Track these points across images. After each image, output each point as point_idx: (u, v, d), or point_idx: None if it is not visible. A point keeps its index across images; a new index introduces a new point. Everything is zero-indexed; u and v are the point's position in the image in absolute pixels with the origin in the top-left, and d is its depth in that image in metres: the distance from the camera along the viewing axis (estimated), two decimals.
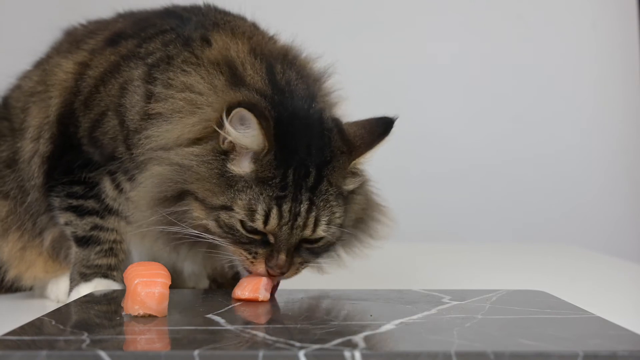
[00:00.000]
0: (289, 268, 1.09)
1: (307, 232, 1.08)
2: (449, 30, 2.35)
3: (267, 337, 0.86)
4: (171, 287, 1.01)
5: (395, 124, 1.18)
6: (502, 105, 2.36)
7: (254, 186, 1.06)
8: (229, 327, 0.93)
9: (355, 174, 1.12)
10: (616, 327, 0.93)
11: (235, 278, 1.30)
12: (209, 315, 0.99)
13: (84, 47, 1.26)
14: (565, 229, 2.35)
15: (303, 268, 1.12)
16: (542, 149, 2.36)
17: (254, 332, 0.89)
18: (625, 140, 2.37)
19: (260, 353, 0.79)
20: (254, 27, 1.25)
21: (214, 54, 1.15)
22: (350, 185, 1.12)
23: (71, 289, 1.23)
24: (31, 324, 0.94)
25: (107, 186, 1.21)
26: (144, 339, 0.90)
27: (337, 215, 1.09)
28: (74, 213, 1.23)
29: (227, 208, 1.06)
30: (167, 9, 1.29)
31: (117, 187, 1.21)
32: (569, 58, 2.37)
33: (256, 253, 1.08)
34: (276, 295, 1.12)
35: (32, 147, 1.25)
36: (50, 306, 1.20)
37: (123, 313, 1.00)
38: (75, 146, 1.21)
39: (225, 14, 1.26)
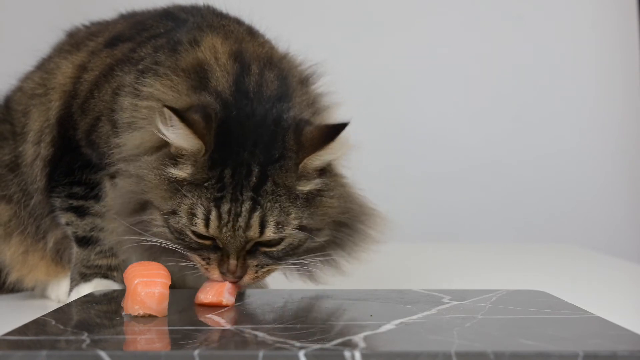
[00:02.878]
0: (244, 272, 1.06)
1: (252, 234, 1.04)
2: (449, 30, 2.35)
3: (267, 337, 0.86)
4: (171, 287, 1.01)
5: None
6: (502, 105, 2.36)
7: (193, 189, 1.04)
8: (229, 327, 0.93)
9: (310, 175, 1.07)
10: (616, 327, 0.93)
11: None
12: (209, 315, 0.99)
13: (84, 48, 1.27)
14: (565, 229, 2.34)
15: (266, 272, 1.08)
16: (542, 148, 2.36)
17: (254, 332, 0.89)
18: (625, 140, 2.37)
19: (260, 353, 0.79)
20: (249, 30, 1.23)
21: (190, 60, 1.13)
22: (305, 186, 1.07)
23: (71, 289, 1.23)
24: (31, 324, 0.94)
25: (107, 187, 1.21)
26: (144, 339, 0.90)
27: (293, 217, 1.05)
28: (74, 213, 1.23)
29: (174, 213, 1.05)
30: (165, 10, 1.29)
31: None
32: (568, 58, 2.37)
33: (209, 259, 1.06)
34: (276, 295, 1.12)
35: (34, 150, 1.25)
36: (51, 306, 1.20)
37: (123, 313, 1.00)
38: (75, 148, 1.21)
39: (222, 16, 1.25)
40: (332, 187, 1.10)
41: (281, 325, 0.93)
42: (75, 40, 1.31)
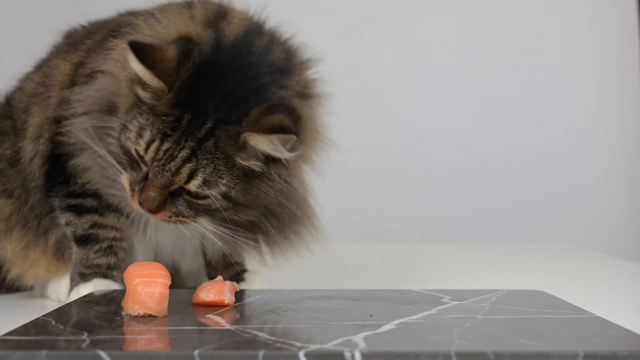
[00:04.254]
0: (159, 209, 1.08)
1: (178, 179, 1.06)
2: (449, 29, 2.35)
3: (267, 337, 0.86)
4: (171, 287, 1.01)
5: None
6: (501, 104, 2.36)
7: (151, 115, 1.07)
8: (229, 327, 0.93)
9: (251, 152, 1.07)
10: (616, 327, 0.93)
11: (227, 266, 1.31)
12: (209, 315, 0.99)
13: (82, 47, 1.27)
14: (565, 229, 2.35)
15: (177, 219, 1.10)
16: (542, 148, 2.36)
17: (254, 332, 0.89)
18: (625, 140, 2.37)
19: (260, 353, 0.79)
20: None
21: (212, 5, 1.16)
22: (242, 160, 1.07)
23: (71, 289, 1.23)
24: (31, 324, 0.94)
25: None
26: (144, 339, 0.90)
27: (225, 182, 1.07)
28: (73, 212, 1.23)
29: (126, 128, 1.08)
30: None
31: None
32: (568, 57, 2.37)
33: (134, 189, 1.09)
34: (276, 295, 1.12)
35: (33, 147, 1.25)
36: (51, 306, 1.20)
37: (123, 313, 1.00)
38: (68, 158, 1.21)
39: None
40: (274, 178, 1.10)
41: (281, 325, 0.93)
42: (73, 41, 1.31)
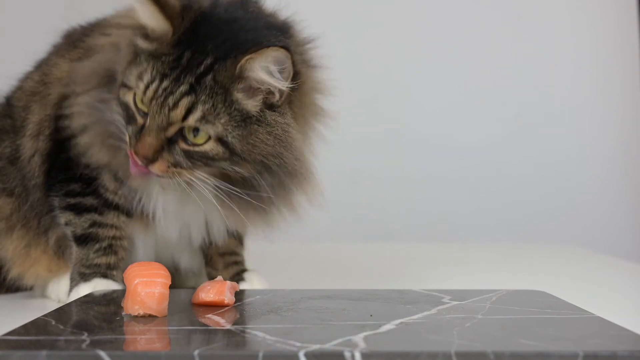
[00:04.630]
0: (155, 157, 1.08)
1: (176, 114, 1.07)
2: (449, 30, 2.35)
3: (267, 337, 0.86)
4: (171, 287, 1.01)
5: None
6: (501, 104, 2.36)
7: (150, 60, 1.09)
8: (229, 327, 0.93)
9: (246, 83, 1.08)
10: (616, 327, 0.93)
11: (227, 266, 1.31)
12: (209, 315, 0.99)
13: (81, 45, 1.27)
14: (565, 229, 2.34)
15: (175, 170, 1.10)
16: (541, 148, 2.36)
17: (254, 332, 0.89)
18: (625, 140, 2.37)
19: (260, 353, 0.79)
20: None
21: None
22: (239, 92, 1.08)
23: (71, 289, 1.23)
24: (31, 324, 0.94)
25: (106, 180, 1.21)
26: (144, 339, 0.90)
27: (222, 122, 1.08)
28: (72, 212, 1.23)
29: (124, 84, 1.10)
30: None
31: (117, 178, 1.21)
32: (568, 57, 2.37)
33: (132, 142, 1.10)
34: (276, 295, 1.12)
35: (32, 145, 1.26)
36: (51, 306, 1.20)
37: (123, 313, 1.00)
38: (71, 139, 1.21)
39: None
40: (273, 123, 1.11)
41: (281, 325, 0.93)
42: (72, 40, 1.31)
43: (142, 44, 1.11)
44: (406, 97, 2.35)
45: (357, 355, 0.79)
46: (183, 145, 1.09)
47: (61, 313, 1.01)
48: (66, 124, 1.20)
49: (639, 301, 1.38)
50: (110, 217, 1.23)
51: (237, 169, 1.11)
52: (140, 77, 1.09)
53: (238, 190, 1.12)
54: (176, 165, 1.10)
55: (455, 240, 2.35)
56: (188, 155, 1.09)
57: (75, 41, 1.29)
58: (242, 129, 1.09)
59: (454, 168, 2.35)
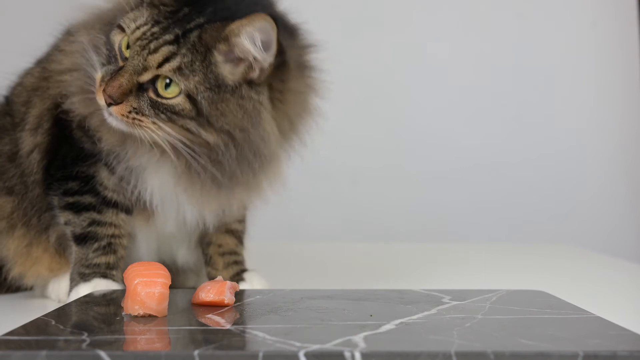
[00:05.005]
0: (121, 97, 1.08)
1: (153, 60, 1.08)
2: (449, 29, 2.35)
3: (267, 337, 0.86)
4: (171, 287, 1.01)
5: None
6: (501, 104, 2.36)
7: (150, 7, 1.11)
8: (229, 327, 0.93)
9: (228, 47, 1.09)
10: (616, 327, 0.93)
11: (227, 266, 1.30)
12: (209, 315, 0.99)
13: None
14: (565, 229, 2.35)
15: (135, 117, 1.09)
16: (541, 148, 2.36)
17: (254, 332, 0.89)
18: (625, 140, 2.37)
19: (260, 353, 0.79)
20: None
21: None
22: (220, 54, 1.10)
23: (71, 289, 1.23)
24: (31, 324, 0.94)
25: (104, 177, 1.22)
26: (144, 339, 0.90)
27: (197, 80, 1.08)
28: (71, 211, 1.23)
29: (119, 26, 1.12)
30: None
31: (115, 174, 1.21)
32: (568, 57, 2.37)
33: (104, 79, 1.10)
34: (276, 295, 1.12)
35: (31, 139, 1.26)
36: (51, 306, 1.21)
37: (123, 313, 1.00)
38: (69, 136, 1.21)
39: None
40: (246, 97, 1.12)
41: (281, 325, 0.93)
42: (71, 36, 1.31)
43: None
44: (406, 97, 2.36)
45: (357, 355, 0.79)
46: (152, 95, 1.10)
47: (61, 313, 1.01)
48: (63, 62, 1.21)
49: (639, 301, 1.38)
50: (109, 215, 1.23)
51: (202, 132, 1.10)
52: (134, 20, 1.11)
53: (201, 157, 1.11)
54: (138, 112, 1.10)
55: (455, 240, 2.35)
56: (154, 105, 1.09)
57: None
58: (214, 94, 1.10)
59: (454, 168, 2.35)
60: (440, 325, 0.93)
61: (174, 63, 1.09)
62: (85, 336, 0.87)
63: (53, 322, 0.95)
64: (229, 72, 1.11)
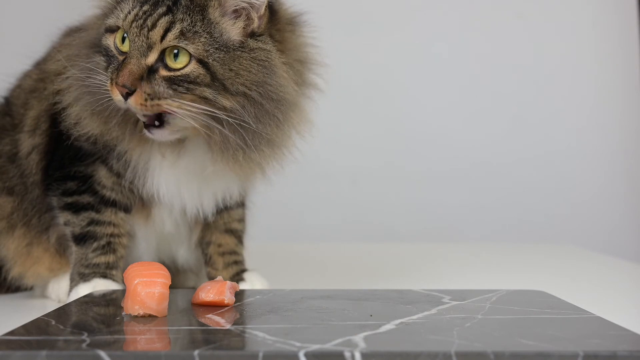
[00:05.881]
0: (134, 85, 1.08)
1: (155, 35, 1.08)
2: (449, 29, 2.35)
3: (267, 337, 0.86)
4: (171, 287, 1.01)
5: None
6: (501, 104, 2.36)
7: None
8: (229, 327, 0.93)
9: (220, 2, 1.10)
10: (616, 327, 0.93)
11: (227, 266, 1.30)
12: (209, 315, 0.99)
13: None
14: (565, 229, 2.35)
15: (154, 103, 1.09)
16: (541, 148, 2.36)
17: (254, 332, 0.89)
18: (625, 140, 2.37)
19: (260, 353, 0.79)
20: None
21: None
22: (216, 12, 1.10)
23: (70, 289, 1.23)
24: (31, 324, 0.94)
25: (102, 175, 1.22)
26: (144, 339, 0.90)
27: (202, 42, 1.09)
28: (70, 211, 1.23)
29: (107, 30, 1.13)
30: None
31: (114, 172, 1.21)
32: (568, 57, 2.37)
33: (112, 78, 1.10)
34: (276, 295, 1.12)
35: (30, 140, 1.26)
36: (51, 306, 1.21)
37: (123, 313, 1.00)
38: (66, 136, 1.21)
39: None
40: (255, 49, 1.12)
41: (281, 325, 0.93)
42: (70, 38, 1.32)
43: None
44: (406, 97, 2.36)
45: (357, 355, 0.79)
46: (164, 72, 1.09)
47: (61, 313, 1.01)
48: (59, 99, 1.20)
49: (639, 301, 1.38)
50: (108, 215, 1.23)
51: (219, 99, 1.10)
52: (121, 10, 1.11)
53: (225, 125, 1.10)
54: (154, 96, 1.09)
55: (455, 240, 2.35)
56: (170, 81, 1.09)
57: (73, 37, 1.30)
58: (224, 53, 1.10)
59: (454, 168, 2.35)
60: (440, 325, 0.93)
61: (175, 31, 1.08)
62: (85, 336, 0.87)
63: (53, 322, 0.95)
64: (230, 27, 1.11)
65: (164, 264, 1.19)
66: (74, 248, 1.25)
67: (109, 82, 1.11)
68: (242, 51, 1.11)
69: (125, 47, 1.11)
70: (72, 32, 1.33)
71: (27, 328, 0.92)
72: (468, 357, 0.79)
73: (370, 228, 2.34)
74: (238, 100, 1.10)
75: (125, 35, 1.11)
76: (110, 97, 1.11)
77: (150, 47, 1.09)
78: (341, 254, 1.95)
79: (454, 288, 1.18)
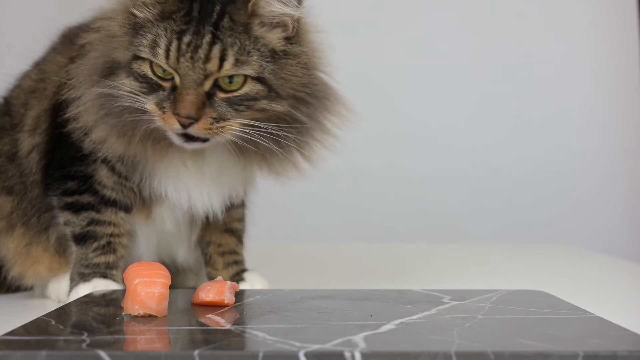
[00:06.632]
0: (199, 115, 1.08)
1: (211, 66, 1.08)
2: (449, 29, 2.35)
3: (267, 337, 0.86)
4: (171, 287, 1.01)
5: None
6: (501, 104, 2.36)
7: (158, 23, 1.09)
8: (229, 327, 0.93)
9: (261, 17, 1.11)
10: (616, 327, 0.93)
11: (227, 266, 1.30)
12: (209, 315, 0.99)
13: (77, 41, 1.27)
14: (565, 229, 2.34)
15: (221, 128, 1.09)
16: (541, 148, 2.36)
17: (254, 332, 0.89)
18: (625, 140, 2.37)
19: (260, 353, 0.79)
20: None
21: None
22: (258, 27, 1.11)
23: (70, 289, 1.23)
24: (31, 324, 0.94)
25: (103, 175, 1.22)
26: (144, 339, 0.90)
27: (255, 59, 1.09)
28: (70, 210, 1.24)
29: (137, 57, 1.10)
30: None
31: (115, 172, 1.21)
32: (568, 57, 2.37)
33: (164, 107, 1.09)
34: (276, 295, 1.12)
35: (30, 140, 1.26)
36: (51, 306, 1.21)
37: (123, 313, 1.00)
38: (67, 135, 1.21)
39: None
40: (299, 54, 1.14)
41: (281, 325, 0.93)
42: (68, 38, 1.32)
43: (142, 13, 1.11)
44: (406, 97, 2.36)
45: (357, 355, 0.79)
46: (222, 95, 1.09)
47: (61, 313, 1.01)
48: (73, 125, 1.19)
49: (639, 301, 1.38)
50: (108, 214, 1.23)
51: (274, 105, 1.12)
52: (155, 43, 1.09)
53: (278, 128, 1.12)
54: (219, 119, 1.09)
55: (455, 240, 2.35)
56: (230, 102, 1.10)
57: (72, 38, 1.30)
58: (273, 64, 1.11)
59: (454, 168, 2.35)
60: (440, 325, 0.93)
61: (230, 59, 1.08)
62: (85, 336, 0.87)
63: (53, 322, 0.95)
64: (273, 39, 1.12)
65: (164, 263, 1.19)
66: (74, 248, 1.25)
67: (158, 110, 1.10)
68: (287, 58, 1.12)
69: (172, 69, 1.09)
70: (71, 33, 1.33)
71: (27, 328, 0.92)
72: (468, 357, 0.79)
73: (370, 228, 2.34)
74: (289, 102, 1.13)
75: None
76: (138, 118, 1.11)
77: (207, 77, 1.09)
78: (341, 254, 1.95)
79: (454, 288, 1.18)
